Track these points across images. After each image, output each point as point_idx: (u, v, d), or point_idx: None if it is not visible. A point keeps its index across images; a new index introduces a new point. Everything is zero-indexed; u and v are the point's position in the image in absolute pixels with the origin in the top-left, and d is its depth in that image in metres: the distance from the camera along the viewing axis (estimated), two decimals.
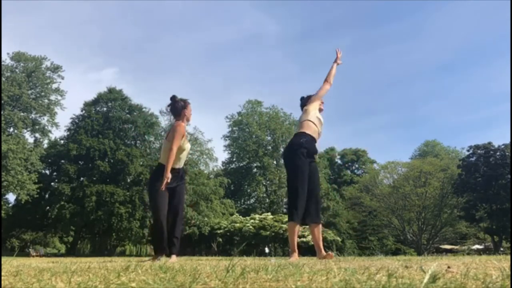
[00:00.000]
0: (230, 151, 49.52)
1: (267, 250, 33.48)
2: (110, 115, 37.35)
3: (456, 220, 38.79)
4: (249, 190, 47.08)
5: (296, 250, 3.96)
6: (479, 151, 35.96)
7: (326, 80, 4.51)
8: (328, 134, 76.45)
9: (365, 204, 41.26)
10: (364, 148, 61.00)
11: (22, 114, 33.73)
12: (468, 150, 37.62)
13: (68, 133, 37.73)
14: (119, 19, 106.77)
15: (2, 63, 33.56)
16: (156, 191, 4.20)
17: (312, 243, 4.22)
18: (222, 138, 49.83)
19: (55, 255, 35.23)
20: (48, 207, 34.55)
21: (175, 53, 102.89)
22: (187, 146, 4.49)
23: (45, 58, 36.19)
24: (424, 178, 38.91)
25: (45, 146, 37.19)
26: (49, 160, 36.80)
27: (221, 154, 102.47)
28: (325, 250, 4.16)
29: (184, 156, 4.46)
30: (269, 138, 48.09)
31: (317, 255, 4.07)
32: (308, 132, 4.22)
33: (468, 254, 27.90)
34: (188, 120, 4.52)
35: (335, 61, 4.62)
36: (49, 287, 1.28)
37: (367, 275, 1.40)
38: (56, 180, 36.00)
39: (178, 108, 4.46)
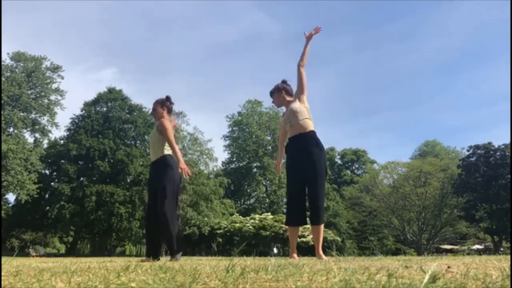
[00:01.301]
0: (230, 151, 49.58)
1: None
2: (110, 115, 37.36)
3: (456, 220, 38.79)
4: (249, 190, 47.09)
5: (295, 251, 3.97)
6: (479, 151, 35.97)
7: (301, 65, 4.25)
8: (328, 134, 76.52)
9: (365, 204, 41.26)
10: (364, 148, 61.27)
11: (22, 114, 33.74)
12: (468, 150, 37.66)
13: (68, 133, 37.73)
14: (119, 19, 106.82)
15: (2, 63, 33.58)
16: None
17: (312, 242, 4.19)
18: (222, 138, 49.96)
19: (55, 255, 35.22)
20: (48, 207, 34.55)
21: (175, 53, 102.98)
22: (152, 136, 4.49)
23: (45, 58, 36.24)
24: (424, 178, 38.90)
25: (45, 146, 37.20)
26: (49, 160, 36.80)
27: (221, 154, 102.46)
28: (324, 251, 4.06)
29: (152, 146, 4.46)
30: (269, 138, 48.10)
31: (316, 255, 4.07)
32: (290, 135, 4.14)
33: (468, 254, 27.92)
34: (156, 118, 4.60)
35: (310, 37, 4.24)
36: (49, 287, 1.28)
37: (367, 275, 1.40)
38: (56, 180, 36.00)
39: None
